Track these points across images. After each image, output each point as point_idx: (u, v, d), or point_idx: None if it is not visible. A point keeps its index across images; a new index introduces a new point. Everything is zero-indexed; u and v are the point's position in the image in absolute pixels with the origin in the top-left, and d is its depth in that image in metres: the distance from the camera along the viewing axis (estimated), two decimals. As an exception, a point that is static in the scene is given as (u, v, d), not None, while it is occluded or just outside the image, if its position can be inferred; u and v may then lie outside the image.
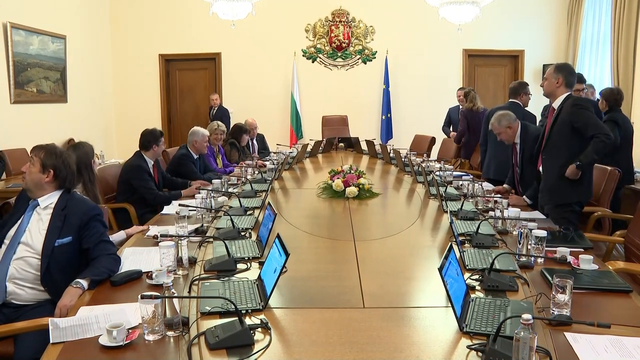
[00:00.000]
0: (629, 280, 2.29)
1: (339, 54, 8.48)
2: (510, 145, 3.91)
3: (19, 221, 2.25)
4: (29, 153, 2.45)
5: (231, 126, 6.28)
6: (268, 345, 1.56)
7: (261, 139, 6.75)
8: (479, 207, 3.32)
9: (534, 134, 3.70)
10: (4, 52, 5.79)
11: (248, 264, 2.27)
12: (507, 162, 4.09)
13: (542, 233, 2.31)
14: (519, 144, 3.81)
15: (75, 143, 3.31)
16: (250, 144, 6.36)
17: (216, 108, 7.99)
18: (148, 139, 4.08)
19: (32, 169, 2.28)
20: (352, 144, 6.89)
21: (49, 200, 2.29)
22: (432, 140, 6.89)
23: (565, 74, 3.21)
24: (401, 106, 8.46)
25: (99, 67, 8.09)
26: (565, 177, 3.13)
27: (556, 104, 3.24)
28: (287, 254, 1.82)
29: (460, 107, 6.60)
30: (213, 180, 4.12)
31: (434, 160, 5.74)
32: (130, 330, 1.59)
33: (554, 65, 3.32)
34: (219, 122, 5.47)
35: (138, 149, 4.10)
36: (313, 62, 8.50)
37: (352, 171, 3.94)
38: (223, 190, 3.76)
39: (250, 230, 2.83)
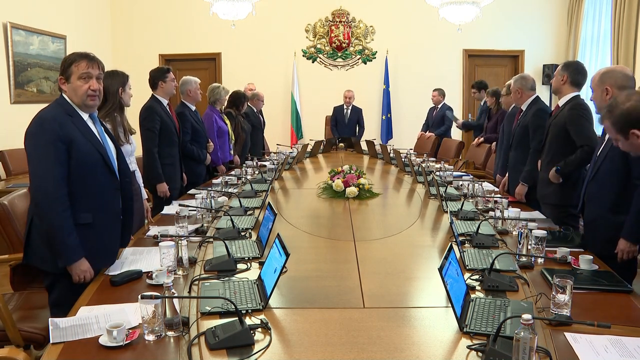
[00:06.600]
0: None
1: (339, 54, 8.48)
2: None
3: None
4: None
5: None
6: (268, 346, 1.56)
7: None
8: (479, 207, 3.32)
9: (540, 114, 3.60)
10: (4, 52, 5.79)
11: (248, 264, 2.27)
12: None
13: (542, 233, 2.31)
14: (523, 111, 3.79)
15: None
16: (261, 117, 6.28)
17: None
18: (153, 76, 3.86)
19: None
20: (352, 144, 6.89)
21: None
22: (436, 141, 6.87)
23: (570, 71, 3.17)
24: (401, 106, 8.45)
25: (99, 68, 8.08)
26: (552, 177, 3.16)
27: (561, 102, 3.23)
28: (287, 254, 1.82)
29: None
30: (213, 180, 4.12)
31: (434, 160, 5.73)
32: (130, 330, 1.59)
33: (563, 62, 3.31)
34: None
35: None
36: (313, 62, 8.50)
37: (352, 171, 3.94)
38: (223, 190, 3.76)
39: (250, 230, 2.82)
